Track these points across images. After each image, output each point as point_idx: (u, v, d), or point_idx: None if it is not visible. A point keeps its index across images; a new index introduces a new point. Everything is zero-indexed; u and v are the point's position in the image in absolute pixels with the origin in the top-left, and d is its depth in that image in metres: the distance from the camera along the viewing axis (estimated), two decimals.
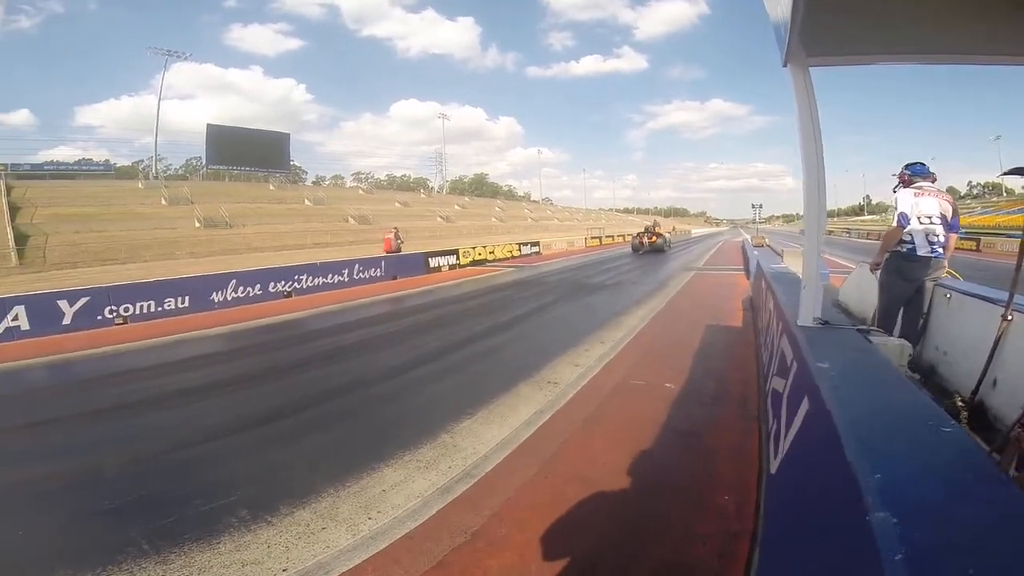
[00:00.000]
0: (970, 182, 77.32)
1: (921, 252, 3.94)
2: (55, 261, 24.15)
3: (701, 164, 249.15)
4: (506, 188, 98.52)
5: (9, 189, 31.13)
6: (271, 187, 47.02)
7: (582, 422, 3.78)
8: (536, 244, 26.10)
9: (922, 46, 2.28)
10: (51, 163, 48.15)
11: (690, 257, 21.93)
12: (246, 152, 46.26)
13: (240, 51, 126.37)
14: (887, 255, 4.08)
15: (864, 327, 3.04)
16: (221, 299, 11.49)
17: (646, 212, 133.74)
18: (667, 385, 4.44)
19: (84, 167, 48.11)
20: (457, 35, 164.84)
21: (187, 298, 10.94)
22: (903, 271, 3.97)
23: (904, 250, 3.95)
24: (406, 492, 2.99)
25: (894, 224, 3.90)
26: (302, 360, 6.23)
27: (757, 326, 6.13)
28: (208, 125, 45.47)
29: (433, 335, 7.22)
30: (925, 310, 4.21)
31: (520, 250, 24.02)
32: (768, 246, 26.36)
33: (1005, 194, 60.66)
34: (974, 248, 25.69)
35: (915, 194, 3.96)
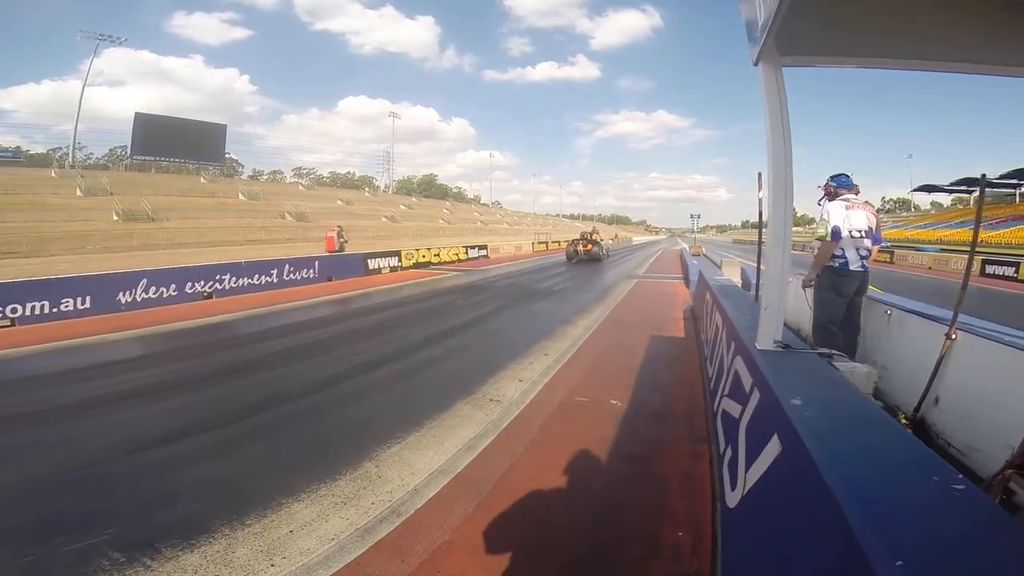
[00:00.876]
0: (883, 197, 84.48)
1: (853, 266, 3.93)
2: None
3: (643, 174, 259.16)
4: (455, 190, 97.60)
5: None
6: (202, 180, 43.98)
7: (526, 446, 3.46)
8: (484, 247, 25.73)
9: (905, 51, 2.15)
10: None
11: (632, 265, 22.43)
12: (177, 143, 43.19)
13: (182, 39, 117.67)
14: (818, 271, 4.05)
15: (826, 351, 2.92)
16: (129, 300, 10.30)
17: (591, 218, 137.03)
18: (612, 402, 4.22)
19: None
20: (415, 34, 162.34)
21: (88, 298, 9.72)
22: (837, 286, 3.94)
23: (837, 265, 3.92)
24: (319, 533, 2.56)
25: (828, 238, 3.86)
26: (211, 372, 5.51)
27: (700, 338, 6.09)
28: (136, 113, 42.17)
29: (365, 344, 6.68)
30: (860, 325, 4.25)
31: (467, 253, 23.52)
32: (705, 255, 27.48)
33: (914, 209, 66.84)
34: (888, 260, 27.97)
35: (846, 207, 3.95)
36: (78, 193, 32.46)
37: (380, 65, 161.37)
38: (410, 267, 18.32)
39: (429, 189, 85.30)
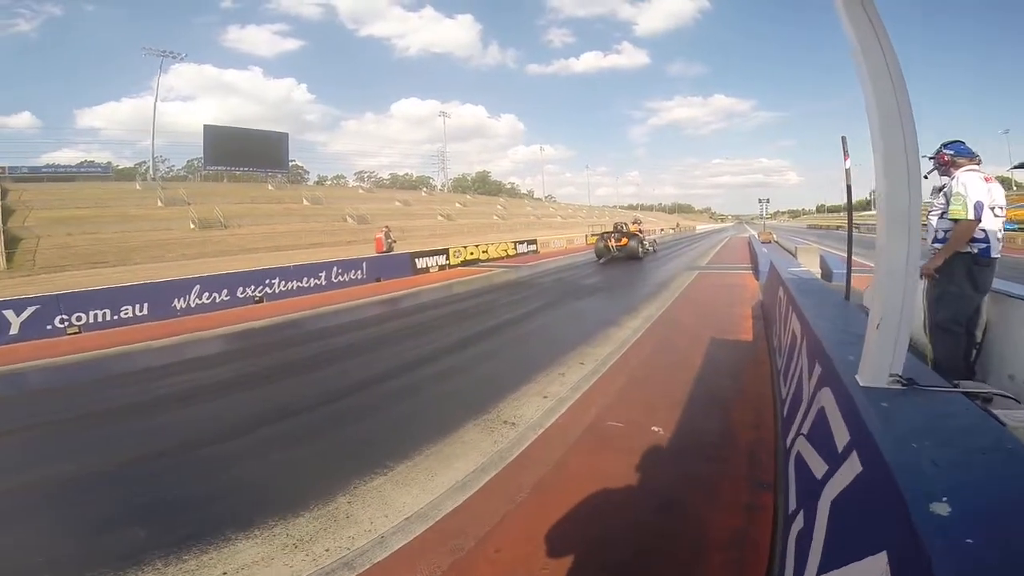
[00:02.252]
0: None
1: (995, 254, 2.95)
2: (44, 264, 23.52)
3: (705, 160, 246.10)
4: (509, 186, 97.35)
5: (5, 192, 30.64)
6: (270, 187, 46.34)
7: (532, 488, 2.77)
8: (533, 242, 25.00)
9: None
10: (50, 166, 47.81)
11: (693, 255, 20.51)
12: (244, 152, 45.68)
13: (239, 52, 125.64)
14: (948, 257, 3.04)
15: (977, 389, 2.01)
16: (184, 306, 10.63)
17: (650, 208, 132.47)
18: (654, 429, 3.41)
19: (84, 169, 47.85)
20: (457, 33, 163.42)
21: (146, 305, 10.10)
22: (975, 278, 2.94)
23: (976, 251, 2.92)
24: None
25: (968, 216, 2.85)
26: (220, 384, 5.27)
27: (772, 343, 5.08)
28: (205, 126, 44.91)
29: (383, 352, 6.24)
30: (983, 327, 3.22)
31: (516, 248, 22.90)
32: (776, 242, 25.18)
33: (1015, 188, 58.47)
34: None
35: (985, 179, 2.95)
36: (159, 204, 35.05)
37: (426, 66, 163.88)
38: (458, 265, 17.99)
39: (483, 186, 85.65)
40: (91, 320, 9.46)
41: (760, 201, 41.58)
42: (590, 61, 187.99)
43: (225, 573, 2.21)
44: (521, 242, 24.07)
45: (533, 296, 10.24)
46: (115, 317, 9.73)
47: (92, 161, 51.83)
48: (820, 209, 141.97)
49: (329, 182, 71.61)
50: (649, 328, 6.52)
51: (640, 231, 19.73)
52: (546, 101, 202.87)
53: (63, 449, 3.84)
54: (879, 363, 1.51)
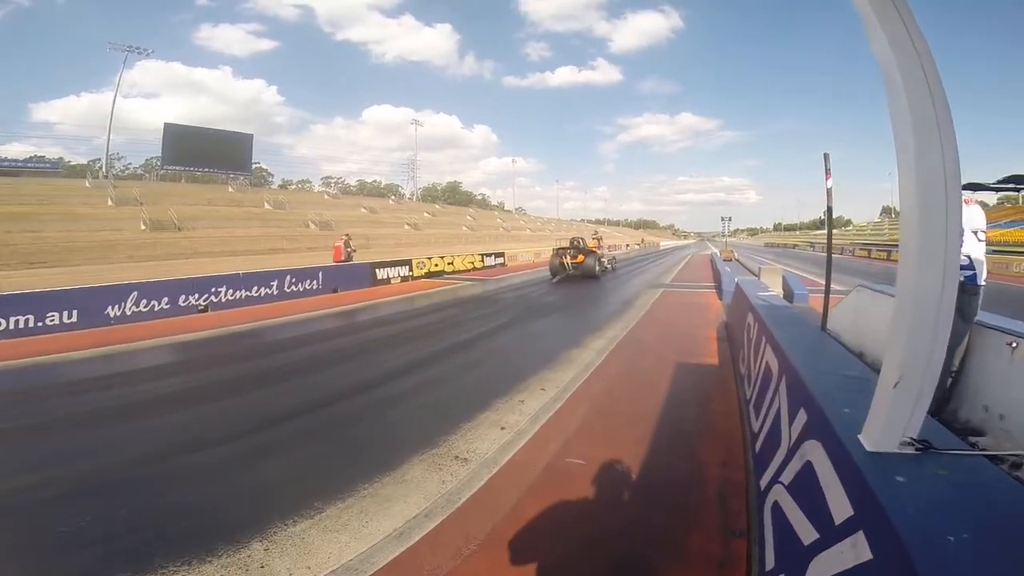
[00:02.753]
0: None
1: (981, 281, 2.84)
2: None
3: (671, 177, 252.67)
4: (479, 197, 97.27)
5: None
6: (230, 189, 44.64)
7: (482, 541, 2.43)
8: (501, 255, 24.72)
9: None
10: None
11: (657, 272, 20.64)
12: (206, 153, 44.01)
13: (210, 51, 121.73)
14: None
15: (1003, 452, 1.80)
16: (118, 313, 9.79)
17: (616, 224, 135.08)
18: (618, 467, 3.13)
19: (31, 165, 44.84)
20: (435, 41, 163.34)
21: (76, 312, 9.24)
22: (963, 309, 2.80)
23: (963, 278, 2.78)
24: None
25: None
26: (145, 402, 4.71)
27: (738, 369, 4.92)
28: (166, 124, 43.10)
29: (328, 372, 5.76)
30: (960, 356, 3.11)
31: (483, 261, 22.54)
32: (738, 260, 25.78)
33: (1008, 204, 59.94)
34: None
35: (965, 201, 2.84)
36: (109, 203, 33.13)
37: (402, 74, 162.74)
38: (421, 277, 17.48)
39: (453, 196, 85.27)
40: (11, 326, 8.55)
41: (722, 219, 42.92)
42: (565, 76, 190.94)
43: None
44: (488, 254, 23.74)
45: (497, 312, 9.92)
46: (39, 324, 8.83)
47: (42, 156, 48.58)
48: (777, 227, 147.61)
49: (294, 187, 69.68)
50: (614, 350, 6.29)
51: (599, 247, 18.94)
52: (521, 114, 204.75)
53: None
54: (892, 425, 1.26)
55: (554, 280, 16.10)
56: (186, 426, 4.10)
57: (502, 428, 3.79)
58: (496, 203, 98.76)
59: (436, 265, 18.49)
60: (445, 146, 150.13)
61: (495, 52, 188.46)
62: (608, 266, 18.93)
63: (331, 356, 6.69)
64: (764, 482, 2.46)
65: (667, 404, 4.25)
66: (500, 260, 24.15)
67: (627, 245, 66.22)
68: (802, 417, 2.11)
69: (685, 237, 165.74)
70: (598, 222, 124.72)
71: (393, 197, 67.41)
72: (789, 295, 9.62)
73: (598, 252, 17.75)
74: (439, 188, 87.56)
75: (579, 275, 16.45)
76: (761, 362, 3.50)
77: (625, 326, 7.79)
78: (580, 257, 16.60)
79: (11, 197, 29.93)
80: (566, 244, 17.77)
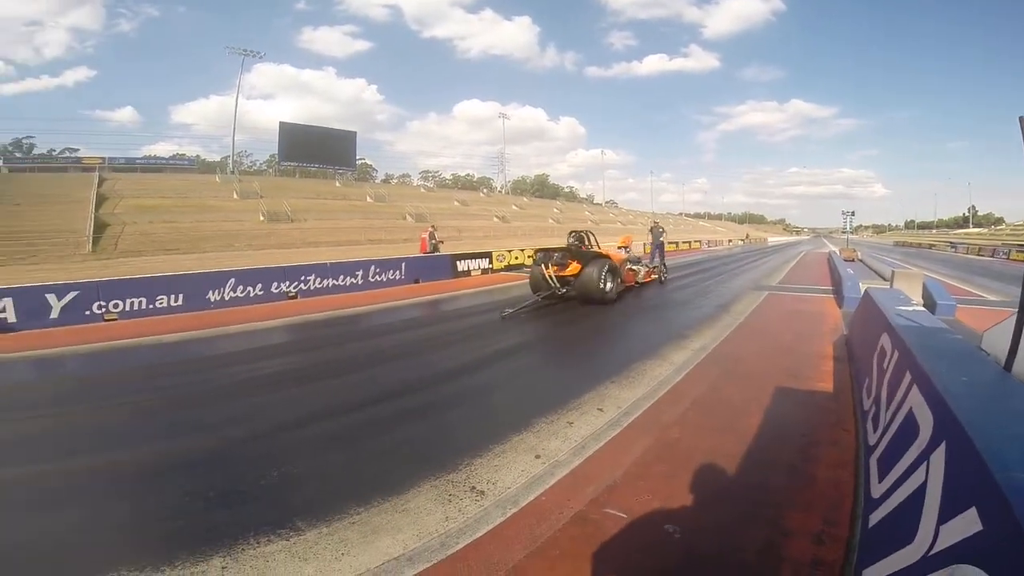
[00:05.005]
0: None
1: None
2: (124, 249, 25.35)
3: (779, 168, 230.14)
4: (567, 190, 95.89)
5: (102, 181, 33.55)
6: (337, 184, 48.03)
7: None
8: None
9: None
10: (147, 157, 52.58)
11: (761, 272, 17.97)
12: (315, 149, 47.46)
13: (313, 52, 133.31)
14: None
15: None
16: (218, 298, 10.60)
17: (718, 218, 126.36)
18: (667, 529, 2.38)
19: (173, 162, 52.08)
20: (515, 35, 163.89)
21: (181, 296, 10.13)
22: None
23: None
24: None
25: None
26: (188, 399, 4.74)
27: (862, 401, 3.83)
28: (280, 123, 47.09)
29: (366, 373, 5.37)
30: None
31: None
32: (861, 261, 22.38)
33: None
34: None
35: None
36: (234, 196, 37.09)
37: (487, 68, 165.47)
38: (501, 269, 17.19)
39: (542, 189, 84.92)
40: (127, 308, 9.53)
41: (844, 214, 37.99)
42: (654, 64, 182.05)
43: None
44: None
45: (566, 308, 9.16)
46: (150, 306, 9.79)
47: (182, 154, 56.43)
48: (909, 225, 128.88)
49: (395, 180, 73.65)
50: (698, 365, 5.30)
51: (628, 249, 12.38)
52: (608, 105, 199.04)
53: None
54: None
55: (538, 297, 9.63)
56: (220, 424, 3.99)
57: (537, 456, 3.16)
58: (585, 196, 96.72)
59: (516, 258, 18.08)
60: (531, 139, 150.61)
61: (576, 43, 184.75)
62: (660, 278, 13.41)
63: (381, 354, 6.38)
64: None
65: (755, 443, 3.33)
66: None
67: (729, 241, 61.40)
68: (971, 520, 1.27)
69: (797, 233, 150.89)
70: (696, 215, 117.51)
71: (484, 190, 68.53)
72: (931, 305, 7.85)
73: (621, 257, 11.18)
74: (528, 181, 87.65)
75: (576, 295, 9.60)
76: (900, 405, 2.52)
77: (717, 336, 6.68)
78: (572, 266, 9.45)
79: (154, 191, 34.58)
80: (563, 243, 10.99)
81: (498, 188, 73.44)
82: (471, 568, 2.11)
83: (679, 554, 2.23)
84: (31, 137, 53.40)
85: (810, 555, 2.21)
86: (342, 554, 2.21)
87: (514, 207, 56.75)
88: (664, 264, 14.57)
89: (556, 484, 2.82)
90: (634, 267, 11.92)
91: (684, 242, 44.27)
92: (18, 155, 50.72)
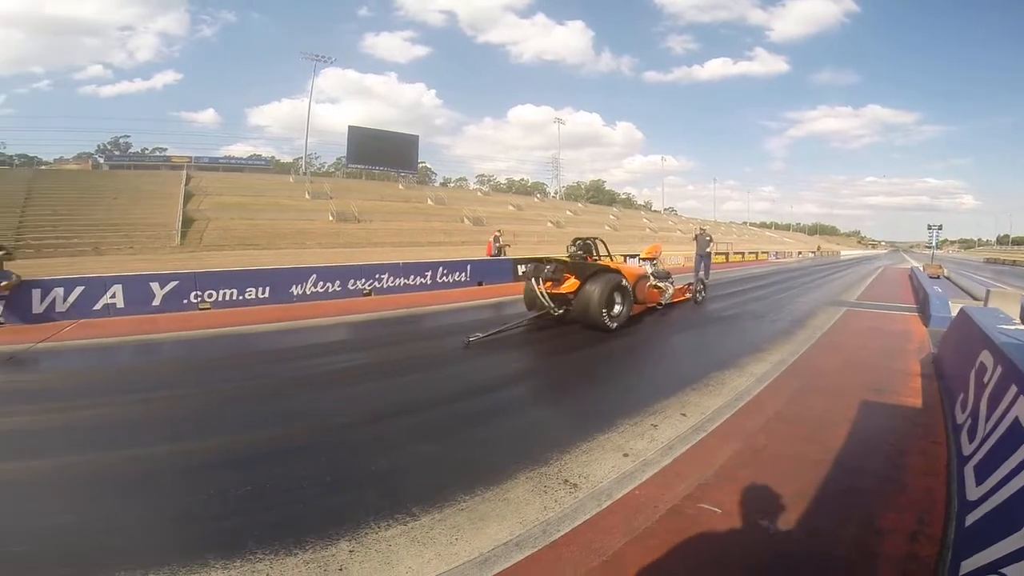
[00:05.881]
0: None
1: None
2: (208, 243, 27.54)
3: (855, 177, 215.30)
4: (624, 196, 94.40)
5: (189, 179, 36.59)
6: (400, 186, 49.81)
7: None
8: (635, 256, 23.36)
9: None
10: (227, 157, 56.79)
11: (838, 287, 17.01)
12: (381, 152, 49.34)
13: (376, 58, 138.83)
14: None
15: None
16: (300, 292, 11.42)
17: (787, 228, 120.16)
18: (763, 524, 2.47)
19: (251, 162, 55.90)
20: (568, 39, 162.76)
21: (268, 289, 10.98)
22: None
23: None
24: None
25: None
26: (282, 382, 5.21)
27: (954, 416, 3.71)
28: (349, 127, 49.38)
29: (455, 368, 5.67)
30: None
31: (624, 261, 21.53)
32: (947, 278, 20.72)
33: None
34: None
35: None
36: (306, 196, 39.31)
37: (540, 73, 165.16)
38: None
39: (597, 195, 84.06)
40: (220, 298, 10.43)
41: (930, 227, 35.32)
42: (717, 68, 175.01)
43: None
44: (630, 256, 22.62)
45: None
46: (240, 297, 10.66)
47: (259, 155, 60.57)
48: (1002, 240, 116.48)
49: (452, 184, 75.35)
50: (779, 377, 5.23)
51: (654, 262, 10.36)
52: (667, 110, 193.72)
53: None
54: None
55: (532, 315, 8.15)
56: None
57: (625, 455, 3.31)
58: (643, 203, 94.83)
59: None
60: (586, 144, 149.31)
61: (632, 47, 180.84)
62: (696, 296, 11.25)
63: (468, 350, 6.48)
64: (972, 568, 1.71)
65: (843, 452, 3.33)
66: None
67: (799, 253, 58.34)
68: None
69: (873, 246, 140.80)
70: (763, 225, 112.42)
71: (539, 195, 68.81)
72: None
73: (638, 272, 9.05)
74: (582, 187, 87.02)
75: (577, 317, 7.76)
76: (1004, 416, 2.51)
77: (795, 350, 6.51)
78: (569, 282, 7.73)
79: (234, 189, 37.13)
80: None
81: (552, 193, 73.57)
82: (571, 555, 2.28)
83: (775, 547, 2.33)
84: (127, 136, 58.73)
85: (904, 551, 2.26)
86: (456, 539, 2.42)
87: (568, 212, 56.62)
88: (703, 280, 12.17)
89: (647, 480, 2.95)
90: (660, 284, 9.78)
91: (751, 253, 42.60)
92: (116, 153, 55.98)
